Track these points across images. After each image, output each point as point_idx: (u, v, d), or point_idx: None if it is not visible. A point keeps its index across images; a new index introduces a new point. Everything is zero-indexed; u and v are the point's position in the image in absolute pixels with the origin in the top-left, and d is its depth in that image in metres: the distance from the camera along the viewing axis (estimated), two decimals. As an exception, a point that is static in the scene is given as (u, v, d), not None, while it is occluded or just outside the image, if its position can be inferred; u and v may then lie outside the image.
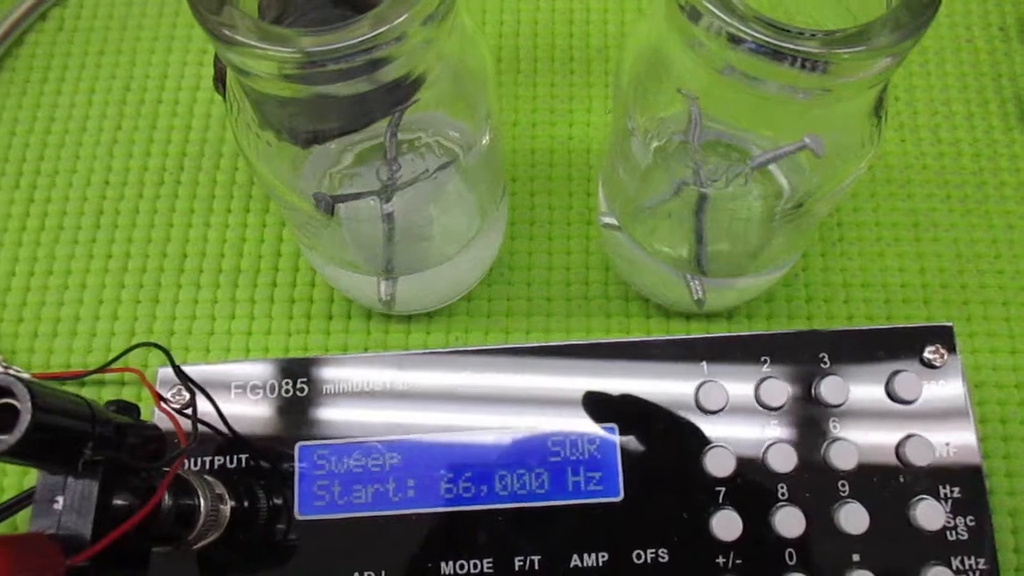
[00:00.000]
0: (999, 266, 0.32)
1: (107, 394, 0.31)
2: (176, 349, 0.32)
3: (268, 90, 0.21)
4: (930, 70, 0.36)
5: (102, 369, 0.30)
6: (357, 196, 0.26)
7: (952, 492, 0.25)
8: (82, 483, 0.19)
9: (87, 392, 0.31)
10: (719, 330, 0.31)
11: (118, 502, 0.20)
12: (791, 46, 0.19)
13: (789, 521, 0.25)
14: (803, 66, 0.19)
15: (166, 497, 0.21)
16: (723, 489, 0.26)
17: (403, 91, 0.22)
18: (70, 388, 0.31)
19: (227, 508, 0.25)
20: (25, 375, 0.31)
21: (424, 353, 0.27)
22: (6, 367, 0.31)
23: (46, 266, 0.33)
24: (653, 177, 0.27)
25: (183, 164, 0.35)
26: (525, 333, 0.32)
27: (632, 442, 0.26)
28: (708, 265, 0.28)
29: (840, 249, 0.33)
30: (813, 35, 0.19)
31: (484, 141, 0.26)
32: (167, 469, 0.21)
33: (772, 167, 0.29)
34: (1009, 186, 0.34)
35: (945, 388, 0.26)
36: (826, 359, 0.27)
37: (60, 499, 0.19)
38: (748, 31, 0.19)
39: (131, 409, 0.23)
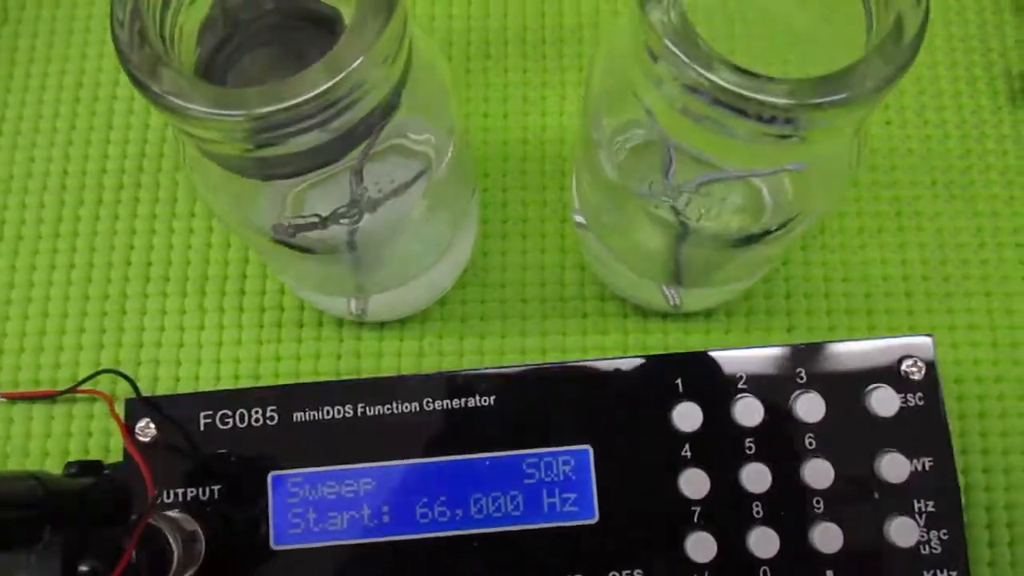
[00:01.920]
0: (983, 255, 0.32)
1: (79, 413, 0.30)
2: (145, 363, 0.31)
3: (219, 150, 0.20)
4: (918, 45, 0.34)
5: (71, 390, 0.30)
6: (313, 226, 0.25)
7: (927, 507, 0.25)
8: (44, 556, 0.19)
9: (59, 411, 0.30)
10: (697, 332, 0.31)
11: (84, 569, 0.20)
12: (757, 97, 0.17)
13: (764, 541, 0.25)
14: (770, 120, 0.18)
15: (134, 555, 0.21)
16: (698, 509, 0.26)
17: (363, 130, 0.21)
18: (41, 408, 0.30)
19: (201, 545, 0.25)
20: (-6, 396, 0.30)
21: (396, 378, 0.27)
22: (-27, 387, 0.31)
23: (7, 278, 0.32)
24: (621, 193, 0.26)
25: (142, 165, 0.33)
26: (500, 337, 0.31)
27: (607, 462, 0.26)
28: (684, 277, 0.28)
29: (821, 242, 0.32)
30: (783, 84, 0.18)
31: (448, 155, 0.25)
32: (136, 521, 0.21)
33: (759, 183, 0.28)
34: (995, 169, 0.33)
35: (922, 402, 0.26)
36: (802, 375, 0.26)
37: None
38: (709, 79, 0.18)
39: (93, 468, 0.23)
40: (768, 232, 0.24)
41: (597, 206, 0.27)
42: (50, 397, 0.30)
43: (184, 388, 0.31)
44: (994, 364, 0.31)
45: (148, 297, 0.32)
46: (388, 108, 0.21)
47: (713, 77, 0.17)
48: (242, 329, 0.31)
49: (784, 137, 0.19)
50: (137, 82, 0.18)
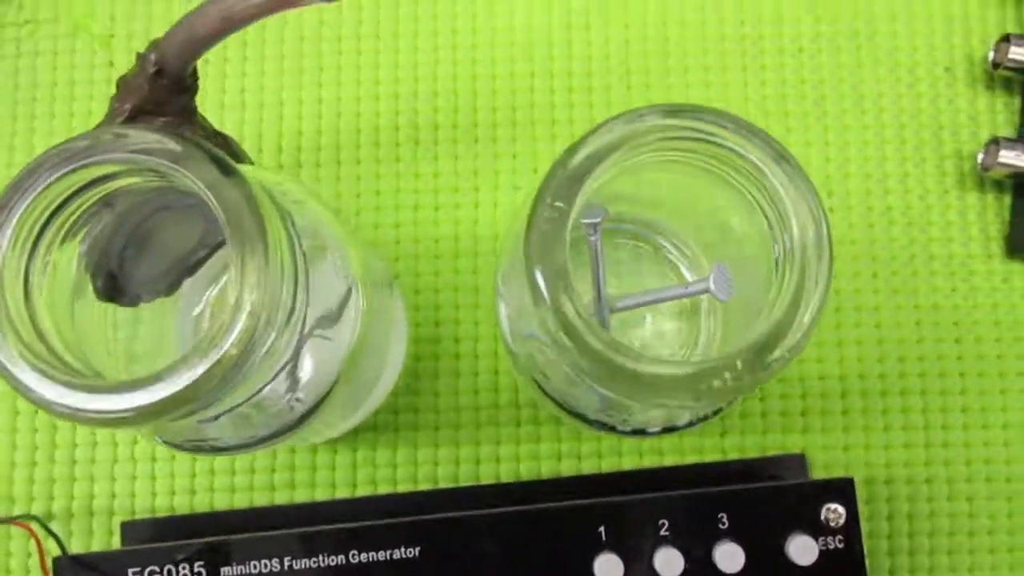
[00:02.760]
0: (920, 351, 0.31)
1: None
2: (80, 479, 0.31)
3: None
4: (867, 123, 0.33)
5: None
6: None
7: (846, 653, 0.26)
8: None
9: (-5, 535, 0.31)
10: (630, 441, 0.31)
11: None
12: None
13: None
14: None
15: None
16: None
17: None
18: (-23, 533, 0.31)
19: None
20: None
21: (311, 532, 0.27)
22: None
23: (-66, 394, 0.32)
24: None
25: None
26: (434, 447, 0.31)
27: (531, 616, 0.26)
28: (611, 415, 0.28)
29: (758, 342, 0.31)
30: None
31: (357, 314, 0.24)
32: None
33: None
34: (939, 260, 0.32)
35: (842, 544, 0.26)
36: (724, 520, 0.26)
37: None
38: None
39: None
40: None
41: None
42: (-16, 523, 0.30)
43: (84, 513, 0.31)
44: (925, 465, 0.31)
45: (57, 448, 0.31)
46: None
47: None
48: (175, 460, 0.31)
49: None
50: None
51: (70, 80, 0.33)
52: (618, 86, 0.33)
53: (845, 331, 0.32)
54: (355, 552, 0.27)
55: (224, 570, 0.27)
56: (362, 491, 0.31)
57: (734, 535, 0.26)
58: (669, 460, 0.31)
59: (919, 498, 0.31)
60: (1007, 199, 0.32)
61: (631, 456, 0.31)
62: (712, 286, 0.24)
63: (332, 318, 0.24)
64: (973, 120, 0.32)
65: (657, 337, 0.29)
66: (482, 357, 0.32)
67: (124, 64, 0.33)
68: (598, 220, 0.26)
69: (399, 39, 0.33)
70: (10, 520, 0.29)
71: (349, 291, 0.24)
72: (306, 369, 0.23)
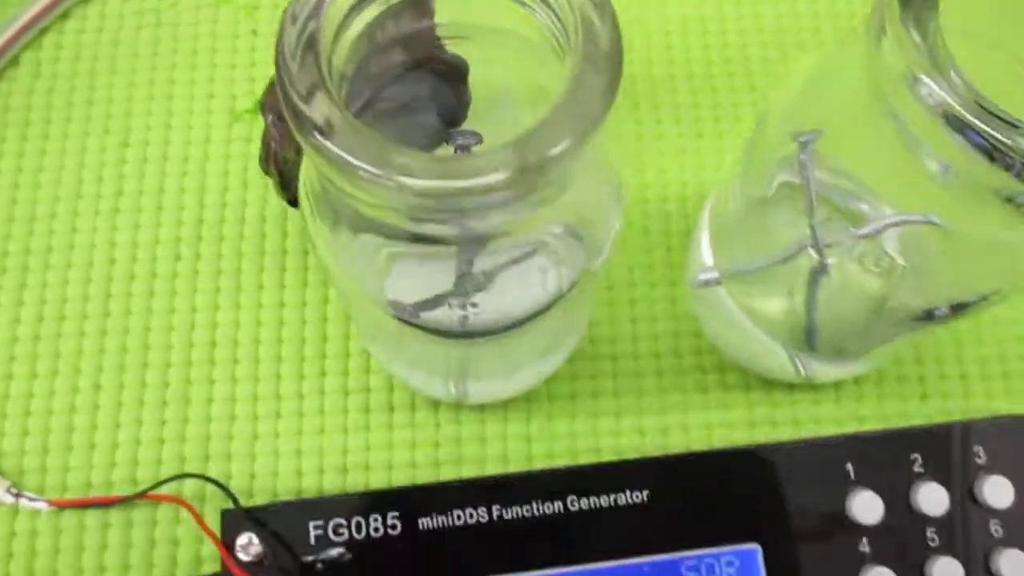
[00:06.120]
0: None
1: (140, 517, 0.26)
2: (215, 458, 0.27)
3: (363, 210, 0.17)
4: None
5: (139, 496, 0.26)
6: (436, 304, 0.21)
7: None
8: None
9: (115, 518, 0.26)
10: (827, 403, 0.28)
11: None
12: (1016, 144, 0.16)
13: (958, 647, 0.22)
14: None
15: None
16: (885, 614, 0.23)
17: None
18: (94, 517, 0.26)
19: None
20: (42, 503, 0.26)
21: (532, 473, 0.24)
22: (17, 494, 0.26)
23: (50, 365, 0.28)
24: (771, 233, 0.24)
25: (201, 233, 0.30)
26: (615, 416, 0.28)
27: (778, 564, 0.23)
28: (819, 344, 0.25)
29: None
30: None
31: (597, 263, 0.22)
32: None
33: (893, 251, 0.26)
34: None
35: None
36: (981, 453, 0.24)
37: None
38: (965, 114, 0.16)
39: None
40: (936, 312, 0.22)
41: (739, 250, 0.25)
42: (108, 505, 0.26)
43: (261, 487, 0.27)
44: None
45: (214, 383, 0.28)
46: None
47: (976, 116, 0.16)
48: (324, 416, 0.28)
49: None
50: (295, 113, 0.15)
51: (211, 48, 0.32)
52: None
53: (1034, 292, 0.30)
54: (573, 497, 0.23)
55: (422, 520, 0.23)
56: (539, 464, 0.27)
57: (996, 468, 0.24)
58: (869, 426, 0.28)
59: None
60: None
61: (828, 424, 0.28)
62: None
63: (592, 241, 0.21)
64: None
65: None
66: (661, 320, 0.29)
67: (268, 33, 0.32)
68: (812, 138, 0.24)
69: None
70: (174, 479, 0.25)
71: (614, 222, 0.21)
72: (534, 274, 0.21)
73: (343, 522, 0.23)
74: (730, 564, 0.23)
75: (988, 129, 0.16)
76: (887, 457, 0.24)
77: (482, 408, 0.28)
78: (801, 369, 0.27)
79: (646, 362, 0.29)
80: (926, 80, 0.16)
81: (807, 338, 0.26)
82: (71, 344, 0.28)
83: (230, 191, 0.30)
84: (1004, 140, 0.16)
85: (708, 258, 0.27)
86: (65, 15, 0.32)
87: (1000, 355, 0.29)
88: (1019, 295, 0.26)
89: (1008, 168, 0.17)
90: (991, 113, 0.16)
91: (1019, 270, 0.21)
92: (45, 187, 0.30)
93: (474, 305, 0.21)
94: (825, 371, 0.28)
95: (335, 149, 0.15)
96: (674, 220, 0.31)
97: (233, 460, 0.27)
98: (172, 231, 0.30)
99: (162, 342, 0.28)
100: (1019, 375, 0.29)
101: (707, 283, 0.28)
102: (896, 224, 0.23)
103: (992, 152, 0.17)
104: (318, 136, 0.15)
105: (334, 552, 0.22)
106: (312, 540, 0.23)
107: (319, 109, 0.15)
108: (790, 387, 0.29)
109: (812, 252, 0.22)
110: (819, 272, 0.23)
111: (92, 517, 0.27)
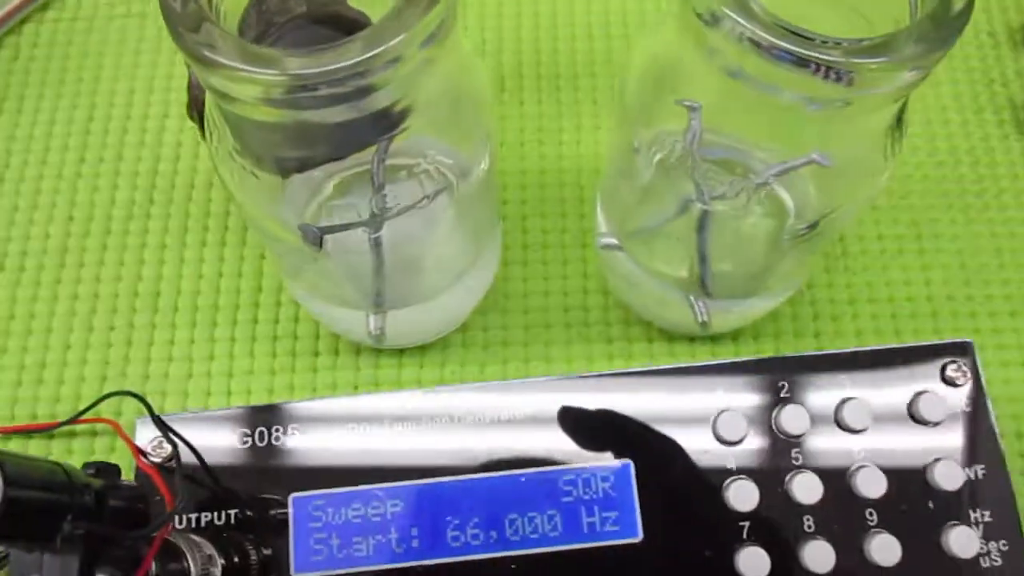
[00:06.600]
0: (1004, 275, 0.32)
1: (78, 447, 0.29)
2: (152, 395, 0.30)
3: (250, 115, 0.20)
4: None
5: (73, 420, 0.28)
6: (345, 227, 0.24)
7: (983, 517, 0.24)
8: (61, 560, 0.17)
9: (56, 446, 0.29)
10: (726, 354, 0.30)
11: (101, 576, 0.18)
12: (814, 54, 0.18)
13: (818, 555, 0.24)
14: (825, 75, 0.18)
15: (154, 566, 0.19)
16: (747, 524, 0.24)
17: (393, 117, 0.21)
18: (38, 442, 0.29)
19: (218, 571, 0.23)
20: (-12, 430, 0.29)
21: (421, 391, 0.26)
22: (-34, 422, 0.29)
23: (7, 310, 0.31)
24: (656, 194, 0.26)
25: (152, 197, 0.33)
26: (524, 363, 0.30)
27: (649, 478, 0.25)
28: (713, 286, 0.27)
29: (844, 263, 0.32)
30: (837, 44, 0.18)
31: (482, 167, 0.24)
32: (153, 535, 0.20)
33: (776, 186, 0.28)
34: (1009, 193, 0.33)
35: (969, 407, 0.25)
36: (845, 382, 0.26)
37: (36, 579, 0.17)
38: (768, 37, 0.18)
39: (111, 471, 0.21)
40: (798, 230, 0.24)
41: (630, 214, 0.27)
42: (48, 430, 0.29)
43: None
44: (1026, 382, 0.30)
45: (156, 328, 0.31)
46: (418, 99, 0.21)
47: (772, 35, 0.18)
48: (254, 358, 0.30)
49: (828, 103, 0.19)
50: (179, 36, 0.18)
51: (174, 37, 0.35)
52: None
53: (928, 256, 0.32)
54: (461, 415, 0.25)
55: (318, 432, 0.25)
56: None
57: (857, 394, 0.25)
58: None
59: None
60: (1064, 142, 0.34)
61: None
62: (816, 157, 0.25)
63: (460, 166, 0.24)
64: (1021, 75, 0.35)
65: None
66: (571, 277, 0.31)
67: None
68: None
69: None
70: (103, 398, 0.27)
71: (482, 147, 0.24)
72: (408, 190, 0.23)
73: (247, 432, 0.25)
74: (605, 479, 0.25)
75: (790, 46, 0.18)
76: (756, 383, 0.25)
77: (400, 353, 0.30)
78: (699, 315, 0.29)
79: (555, 315, 0.31)
80: (732, 15, 0.19)
81: (702, 281, 0.28)
82: (27, 292, 0.31)
83: (181, 160, 0.33)
84: (805, 52, 0.18)
85: (603, 224, 0.29)
86: (45, 6, 0.36)
87: (891, 311, 0.31)
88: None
89: (816, 73, 0.19)
90: (791, 32, 0.19)
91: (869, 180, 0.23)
92: (16, 154, 0.33)
93: (378, 229, 0.24)
94: (722, 319, 0.30)
95: (219, 59, 0.18)
96: (587, 189, 0.33)
97: (168, 397, 0.30)
98: (127, 194, 0.33)
99: (110, 291, 0.31)
100: (910, 329, 0.31)
101: (607, 247, 0.30)
102: (785, 171, 0.25)
103: (800, 63, 0.19)
104: (206, 52, 0.18)
105: (236, 457, 0.25)
106: (216, 446, 0.25)
107: (204, 37, 0.18)
108: (691, 340, 0.31)
109: (699, 204, 0.24)
110: (706, 220, 0.25)
111: (36, 444, 0.29)
